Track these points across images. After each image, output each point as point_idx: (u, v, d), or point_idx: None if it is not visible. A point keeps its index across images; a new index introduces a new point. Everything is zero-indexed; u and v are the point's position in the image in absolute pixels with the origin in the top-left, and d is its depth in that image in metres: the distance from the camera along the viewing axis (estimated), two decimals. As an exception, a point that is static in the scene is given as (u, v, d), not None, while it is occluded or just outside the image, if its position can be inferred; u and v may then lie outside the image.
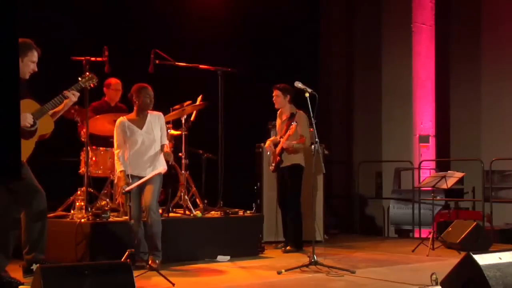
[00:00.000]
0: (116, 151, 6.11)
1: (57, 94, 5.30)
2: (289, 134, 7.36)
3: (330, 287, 5.35)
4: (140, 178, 5.95)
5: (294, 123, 7.26)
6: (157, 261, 5.92)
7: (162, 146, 6.14)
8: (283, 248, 7.64)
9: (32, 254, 5.24)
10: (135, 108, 6.16)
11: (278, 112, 7.85)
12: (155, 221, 5.97)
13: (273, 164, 7.66)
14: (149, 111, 6.16)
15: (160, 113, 6.26)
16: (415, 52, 10.86)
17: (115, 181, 6.39)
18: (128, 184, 5.86)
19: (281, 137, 7.58)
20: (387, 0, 11.28)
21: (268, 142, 7.80)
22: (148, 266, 5.64)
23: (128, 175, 5.95)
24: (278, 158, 7.57)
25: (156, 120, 6.17)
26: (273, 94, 7.67)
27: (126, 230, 5.86)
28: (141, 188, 5.95)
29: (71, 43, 7.67)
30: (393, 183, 10.67)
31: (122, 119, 6.16)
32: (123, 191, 5.82)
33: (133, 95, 6.13)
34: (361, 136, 11.80)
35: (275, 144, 7.64)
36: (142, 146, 6.05)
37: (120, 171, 5.98)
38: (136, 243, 5.96)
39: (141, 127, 6.09)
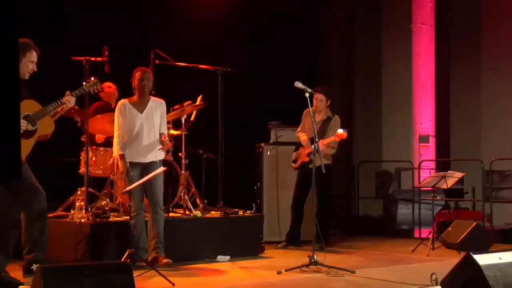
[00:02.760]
0: (116, 132, 6.11)
1: (57, 94, 5.32)
2: (333, 139, 7.38)
3: (330, 287, 5.35)
4: (140, 164, 5.99)
5: (344, 131, 7.17)
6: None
7: (161, 135, 6.11)
8: (283, 243, 7.85)
9: (32, 254, 5.25)
10: (134, 92, 6.18)
11: (309, 111, 7.80)
12: (162, 217, 6.14)
13: (299, 162, 7.68)
14: (151, 97, 6.15)
15: (162, 100, 6.25)
16: (415, 52, 10.85)
17: (116, 165, 6.32)
18: (128, 169, 5.90)
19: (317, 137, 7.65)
20: (387, 0, 11.27)
21: (305, 137, 7.75)
22: (163, 263, 5.89)
23: (127, 162, 5.98)
24: (308, 158, 7.56)
25: (156, 106, 6.16)
26: (316, 98, 7.61)
27: (126, 230, 5.85)
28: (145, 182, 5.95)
29: (71, 43, 7.67)
30: (393, 183, 10.67)
31: (123, 100, 6.18)
32: (123, 191, 5.83)
33: (132, 79, 6.18)
34: (361, 136, 11.77)
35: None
36: (141, 131, 6.03)
37: (120, 155, 6.00)
38: (136, 238, 5.96)
39: (141, 111, 6.08)
